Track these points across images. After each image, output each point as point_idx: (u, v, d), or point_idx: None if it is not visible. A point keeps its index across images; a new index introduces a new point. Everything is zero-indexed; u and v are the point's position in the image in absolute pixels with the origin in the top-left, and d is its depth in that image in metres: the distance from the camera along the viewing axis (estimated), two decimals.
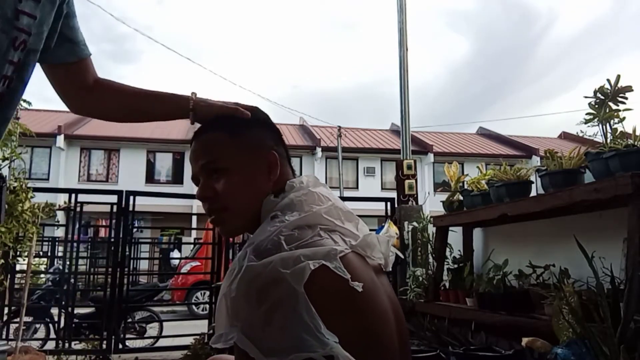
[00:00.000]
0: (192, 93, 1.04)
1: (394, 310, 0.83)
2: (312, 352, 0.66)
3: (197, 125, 1.01)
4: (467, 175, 3.37)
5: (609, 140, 2.01)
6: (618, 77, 2.02)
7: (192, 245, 11.60)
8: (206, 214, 0.93)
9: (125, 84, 1.09)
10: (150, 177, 18.54)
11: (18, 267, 4.29)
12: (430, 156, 19.29)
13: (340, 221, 0.85)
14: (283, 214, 0.84)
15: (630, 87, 2.01)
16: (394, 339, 0.79)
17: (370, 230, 0.93)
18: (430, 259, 3.60)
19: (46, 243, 10.39)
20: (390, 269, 0.95)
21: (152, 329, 5.50)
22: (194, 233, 12.96)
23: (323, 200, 0.88)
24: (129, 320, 5.14)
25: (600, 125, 2.07)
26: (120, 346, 4.45)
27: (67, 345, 4.35)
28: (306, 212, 0.83)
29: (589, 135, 2.16)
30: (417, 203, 4.89)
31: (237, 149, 0.91)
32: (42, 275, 6.88)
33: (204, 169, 0.91)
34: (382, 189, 18.75)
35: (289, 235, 0.76)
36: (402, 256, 3.81)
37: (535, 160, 17.90)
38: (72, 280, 4.68)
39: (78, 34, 1.02)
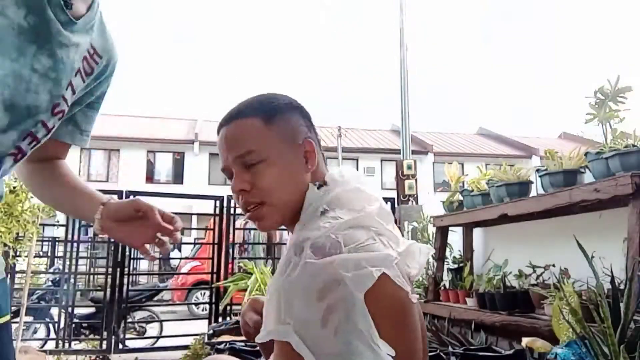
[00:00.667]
0: (109, 197, 0.97)
1: (420, 321, 0.82)
2: None
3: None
4: (467, 175, 3.37)
5: (609, 140, 2.01)
6: (618, 77, 2.02)
7: (192, 245, 11.59)
8: (241, 208, 0.87)
9: (66, 173, 1.00)
10: (150, 177, 18.54)
11: (18, 267, 4.29)
12: (430, 156, 19.30)
13: (385, 223, 0.82)
14: (333, 210, 0.80)
15: (630, 87, 2.00)
16: (421, 351, 0.79)
17: None
18: (430, 259, 3.60)
19: (46, 243, 10.38)
20: None
21: (152, 329, 5.51)
22: (194, 233, 12.95)
23: (372, 200, 0.85)
24: (129, 320, 5.13)
25: (600, 125, 2.07)
26: (120, 346, 4.46)
27: (67, 345, 4.36)
28: (358, 211, 0.80)
29: (589, 136, 2.16)
30: (417, 203, 4.90)
31: (273, 137, 0.84)
32: (42, 275, 6.87)
33: (239, 161, 0.84)
34: (382, 189, 18.75)
35: (346, 235, 0.73)
36: None
37: (535, 160, 17.91)
38: (72, 280, 4.69)
39: (89, 125, 0.98)
